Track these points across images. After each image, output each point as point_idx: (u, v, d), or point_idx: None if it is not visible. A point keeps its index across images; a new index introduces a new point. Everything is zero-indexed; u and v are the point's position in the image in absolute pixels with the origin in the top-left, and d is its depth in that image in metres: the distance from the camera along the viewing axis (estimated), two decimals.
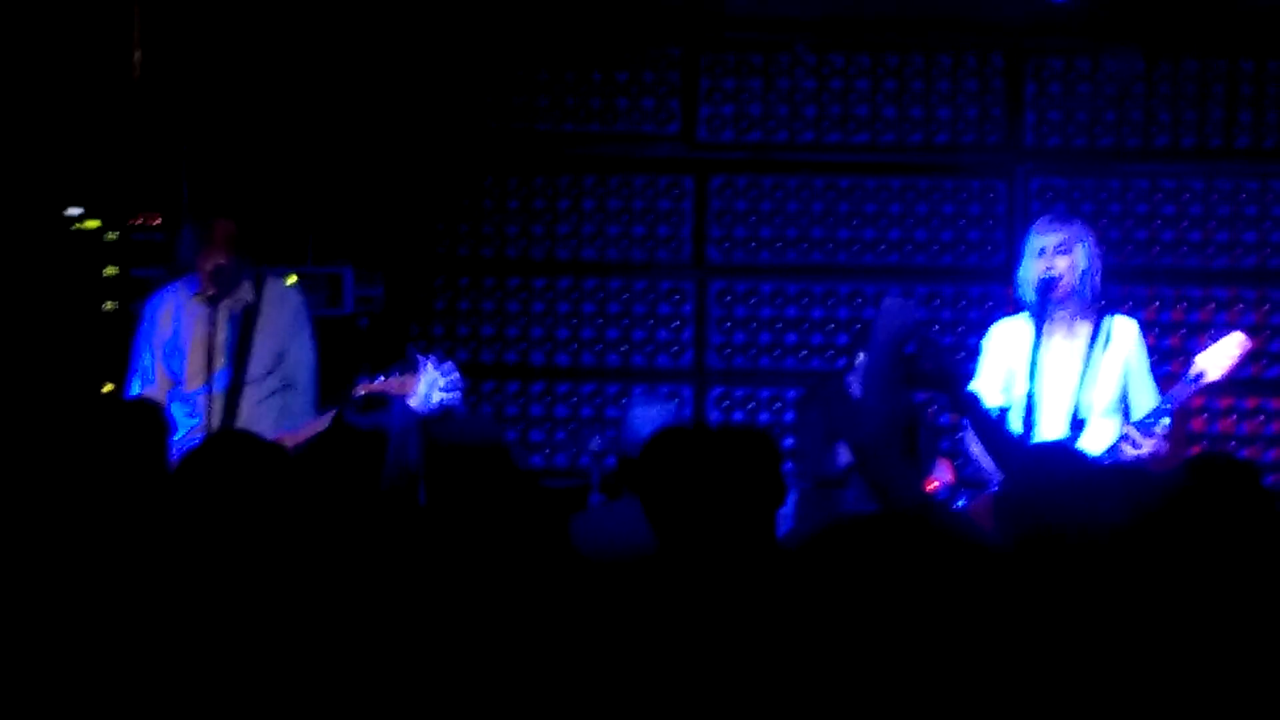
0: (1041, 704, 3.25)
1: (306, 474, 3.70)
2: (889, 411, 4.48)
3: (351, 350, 7.39)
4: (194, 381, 6.33)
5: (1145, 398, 5.70)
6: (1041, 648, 3.29)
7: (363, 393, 6.09)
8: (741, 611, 3.36)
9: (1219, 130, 7.90)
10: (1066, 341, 5.75)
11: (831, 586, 3.54)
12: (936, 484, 6.65)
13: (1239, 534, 3.41)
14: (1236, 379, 7.65)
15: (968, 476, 6.59)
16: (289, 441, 5.83)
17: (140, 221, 7.49)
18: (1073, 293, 5.71)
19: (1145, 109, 7.92)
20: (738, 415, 8.03)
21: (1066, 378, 5.68)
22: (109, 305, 7.38)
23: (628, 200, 8.11)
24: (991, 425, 5.18)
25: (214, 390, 6.20)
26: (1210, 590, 3.34)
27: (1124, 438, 5.53)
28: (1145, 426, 5.53)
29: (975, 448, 5.86)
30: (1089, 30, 7.83)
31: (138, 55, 7.37)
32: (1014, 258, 7.81)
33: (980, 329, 7.73)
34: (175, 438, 5.17)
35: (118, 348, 6.64)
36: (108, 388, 6.92)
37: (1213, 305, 7.79)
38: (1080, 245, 5.71)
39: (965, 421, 5.98)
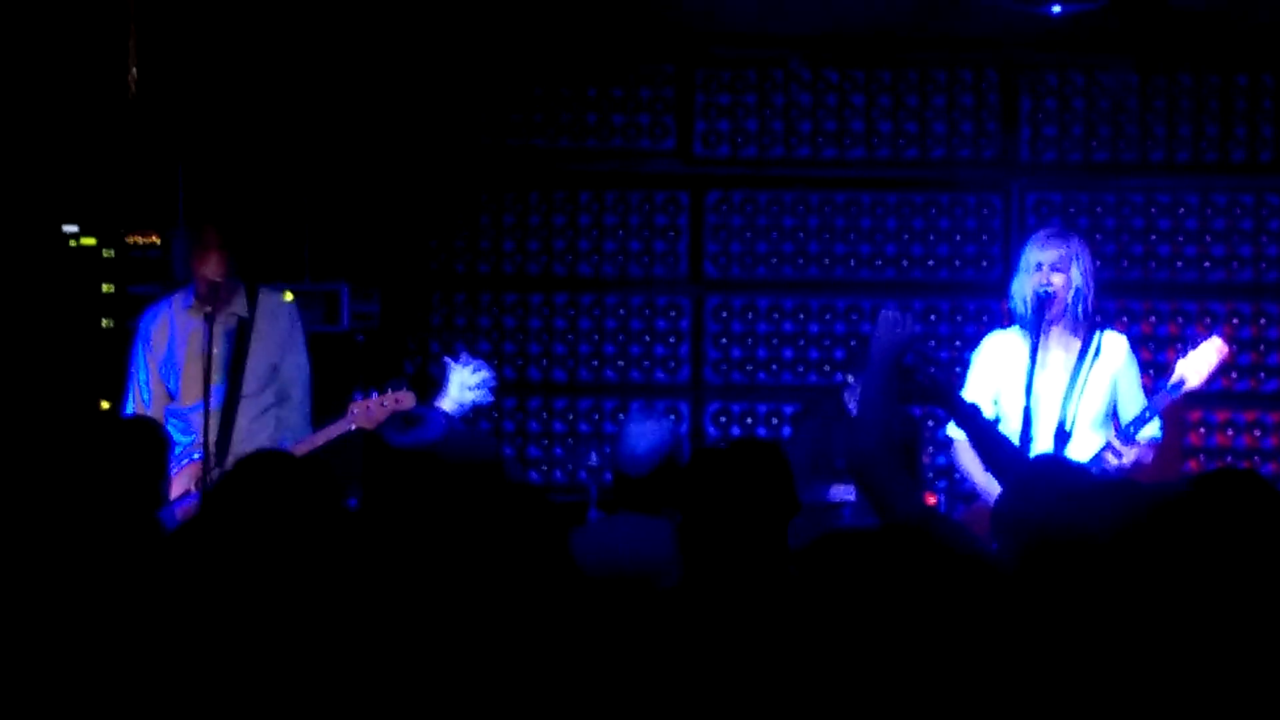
0: (1043, 715, 3.25)
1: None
2: (887, 424, 4.48)
3: (348, 366, 7.39)
4: (189, 397, 6.32)
5: (1134, 412, 5.71)
6: (1042, 660, 3.29)
7: (357, 411, 6.10)
8: (759, 628, 3.38)
9: (1214, 144, 7.91)
10: (1057, 355, 5.76)
11: (832, 600, 3.54)
12: (934, 500, 6.66)
13: (1253, 548, 3.40)
14: (1234, 393, 7.73)
15: (960, 491, 6.60)
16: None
17: (137, 239, 7.49)
18: (1066, 309, 5.72)
19: (1140, 123, 7.93)
20: (735, 430, 8.03)
21: (1055, 391, 5.70)
22: (106, 322, 7.39)
23: (624, 216, 8.11)
24: (991, 436, 5.18)
25: (210, 406, 6.19)
26: (1218, 603, 3.34)
27: (1106, 447, 5.54)
28: (1127, 435, 5.55)
29: (966, 461, 5.87)
30: (1084, 45, 7.85)
31: (134, 72, 7.37)
32: (1010, 272, 7.82)
33: (976, 343, 7.76)
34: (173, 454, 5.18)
35: (115, 365, 6.64)
36: (105, 405, 6.92)
37: (1208, 319, 7.79)
38: (1076, 263, 5.72)
39: (949, 437, 6.00)
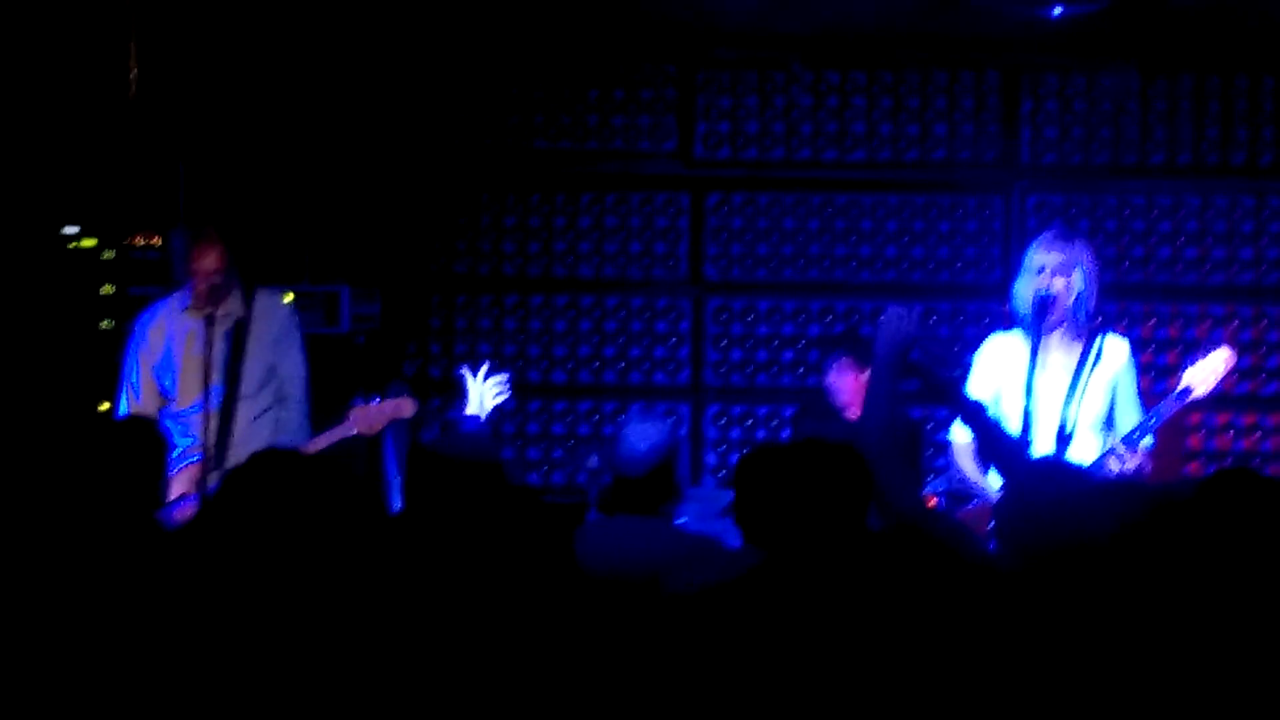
0: (1041, 715, 3.24)
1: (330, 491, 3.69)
2: (890, 421, 4.48)
3: (348, 368, 7.39)
4: (186, 398, 6.30)
5: (1129, 417, 5.70)
6: (1039, 659, 3.29)
7: (357, 416, 6.10)
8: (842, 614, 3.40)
9: (1215, 147, 7.91)
10: (1058, 358, 5.75)
11: (836, 598, 3.53)
12: (934, 500, 6.65)
13: (1260, 548, 3.39)
14: (1234, 395, 7.73)
15: (956, 493, 6.59)
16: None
17: (138, 240, 7.48)
18: (1067, 312, 5.70)
19: (1141, 126, 7.93)
20: (735, 433, 8.03)
21: (1055, 393, 5.69)
22: (106, 324, 7.37)
23: (624, 218, 8.11)
24: (996, 435, 5.18)
25: (208, 407, 6.17)
26: (1219, 605, 3.33)
27: (1110, 452, 5.53)
28: (1131, 442, 5.54)
29: (964, 464, 5.86)
30: (1085, 47, 7.84)
31: (134, 74, 7.37)
32: (1010, 274, 7.82)
33: (977, 345, 7.76)
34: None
35: (115, 366, 6.63)
36: (104, 406, 6.91)
37: (1209, 322, 7.79)
38: (1078, 267, 5.70)
39: (948, 440, 6.00)
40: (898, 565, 3.59)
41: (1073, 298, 5.69)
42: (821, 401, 6.98)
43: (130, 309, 6.82)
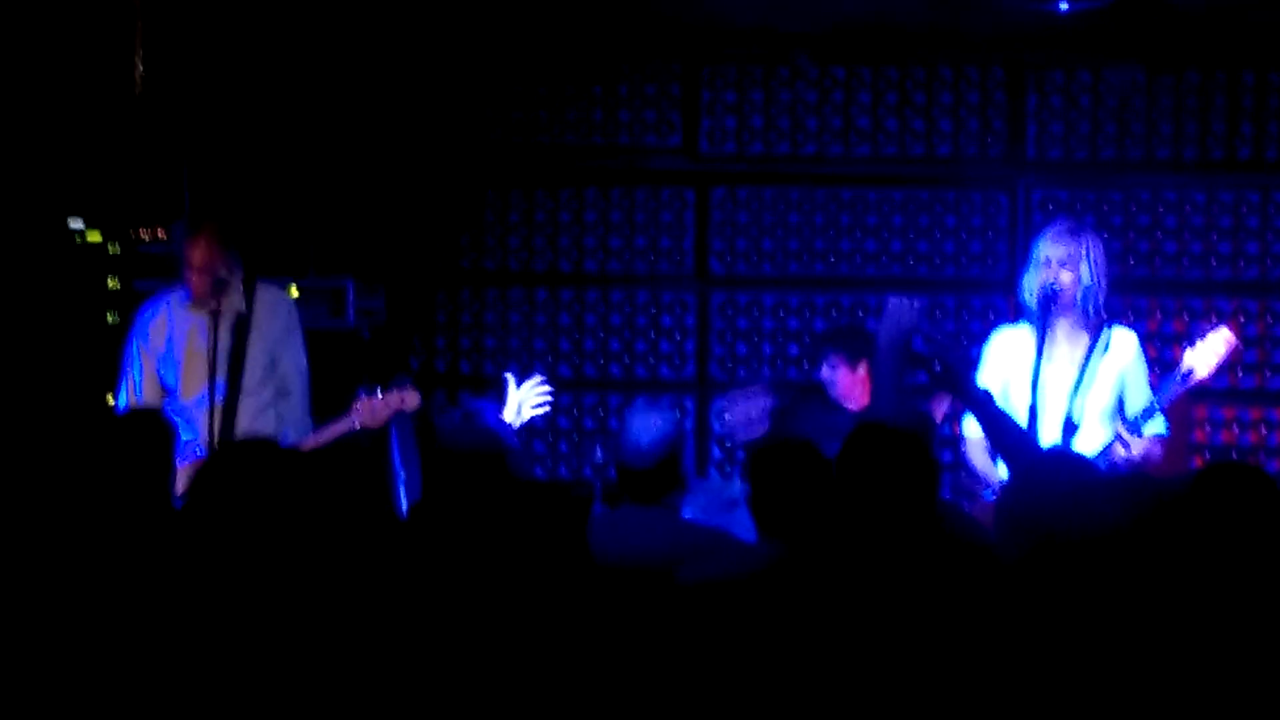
0: (1047, 707, 3.24)
1: (320, 481, 3.68)
2: (897, 412, 4.48)
3: (353, 363, 7.39)
4: (189, 392, 6.29)
5: (1139, 407, 5.70)
6: (1044, 652, 3.29)
7: (361, 409, 6.09)
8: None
9: (1221, 142, 7.90)
10: (1066, 350, 5.75)
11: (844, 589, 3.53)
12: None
13: (1254, 541, 3.40)
14: (1240, 390, 7.72)
15: (966, 488, 6.59)
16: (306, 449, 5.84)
17: (143, 234, 7.48)
18: (1074, 304, 5.70)
19: (1147, 121, 7.92)
20: None
21: (1062, 385, 5.69)
22: (111, 318, 7.37)
23: (630, 212, 8.11)
24: (1003, 424, 5.18)
25: (212, 402, 6.16)
26: (1221, 596, 3.33)
27: (1115, 439, 5.53)
28: (1135, 427, 5.53)
29: (976, 458, 5.86)
30: (1091, 43, 7.84)
31: (140, 68, 7.38)
32: (1016, 269, 7.83)
33: (982, 339, 7.74)
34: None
35: (120, 360, 6.63)
36: (110, 400, 6.91)
37: (1215, 317, 7.78)
38: (1086, 261, 5.70)
39: (962, 434, 6.00)
40: (920, 559, 3.59)
41: (1080, 291, 5.69)
42: (808, 396, 6.98)
43: (135, 303, 6.82)
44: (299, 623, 3.33)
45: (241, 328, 6.30)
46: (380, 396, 6.12)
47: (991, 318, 7.83)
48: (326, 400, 6.49)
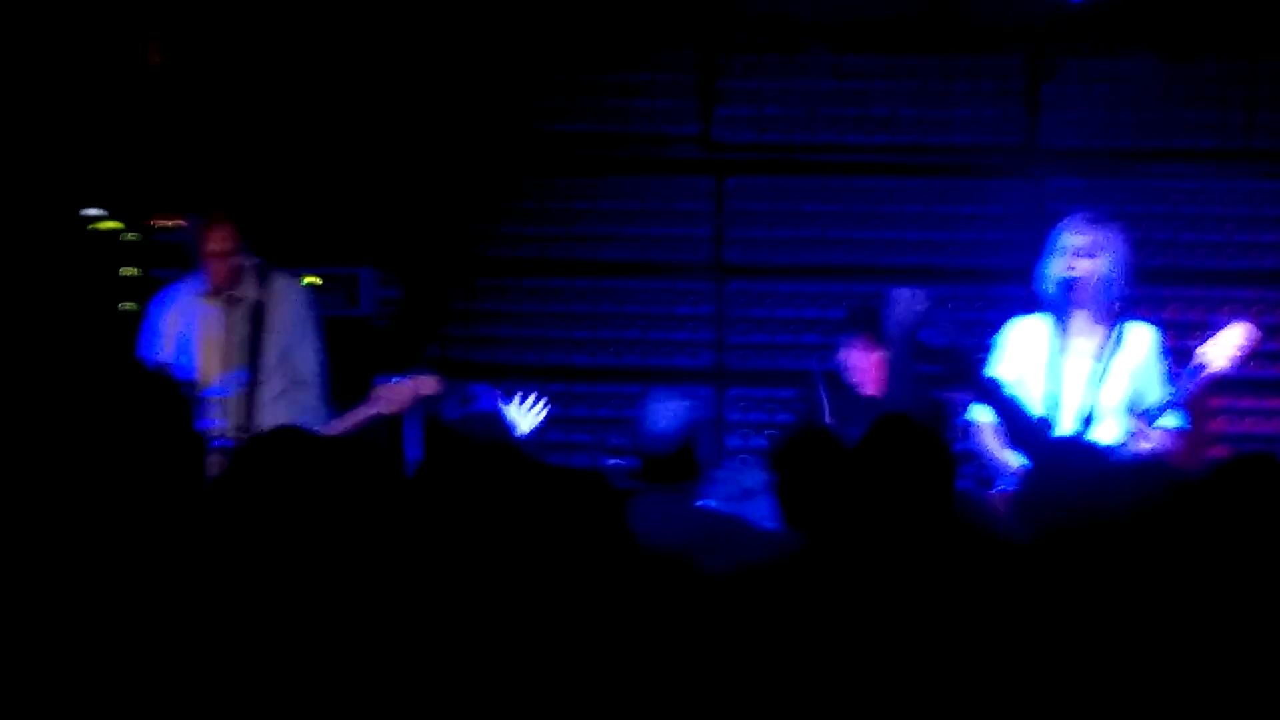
0: (1058, 698, 3.23)
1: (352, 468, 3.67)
2: (910, 401, 4.47)
3: (369, 351, 7.39)
4: (205, 382, 6.30)
5: (1156, 402, 5.68)
6: (1057, 640, 3.28)
7: (381, 395, 6.10)
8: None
9: (1238, 131, 7.88)
10: (1084, 341, 5.73)
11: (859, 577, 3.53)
12: None
13: (1275, 532, 3.39)
14: (1259, 380, 7.70)
15: (983, 476, 6.58)
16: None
17: (160, 222, 7.49)
18: (1092, 296, 5.68)
19: (1164, 109, 7.90)
20: (757, 416, 8.03)
21: (1080, 376, 5.67)
22: (128, 306, 7.38)
23: (645, 201, 8.11)
24: (1014, 412, 5.17)
25: (229, 390, 6.16)
26: (1239, 586, 3.32)
27: (1131, 433, 5.51)
28: (1150, 418, 5.51)
29: (988, 443, 5.84)
30: (1108, 31, 7.82)
31: (157, 54, 7.38)
32: (1033, 258, 7.81)
33: (999, 330, 7.73)
34: None
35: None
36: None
37: (1232, 306, 7.76)
38: (1105, 251, 5.68)
39: (969, 421, 5.99)
40: (939, 550, 3.59)
41: (1097, 281, 5.67)
42: (824, 382, 6.97)
43: (152, 291, 6.82)
44: (332, 611, 3.33)
45: (257, 316, 6.30)
46: (399, 382, 6.12)
47: (1008, 307, 7.80)
48: (342, 388, 6.49)
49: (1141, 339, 5.78)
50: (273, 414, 6.27)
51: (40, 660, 3.22)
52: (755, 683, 3.35)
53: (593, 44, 8.05)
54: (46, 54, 7.41)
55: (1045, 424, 5.46)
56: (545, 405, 5.92)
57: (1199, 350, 5.56)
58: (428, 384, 6.18)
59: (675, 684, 3.28)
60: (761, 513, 4.72)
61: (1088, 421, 5.63)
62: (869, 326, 6.77)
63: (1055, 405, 5.58)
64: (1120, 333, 5.73)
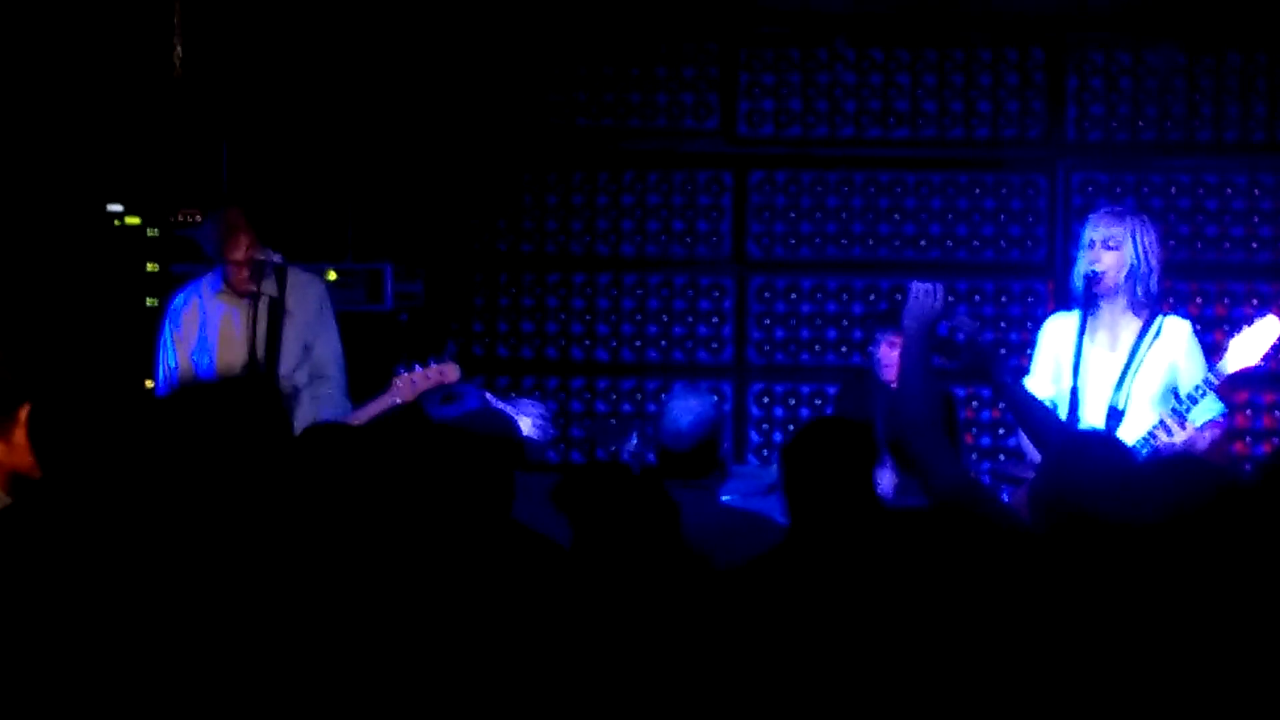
0: (1071, 694, 3.22)
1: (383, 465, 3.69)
2: (927, 394, 4.47)
3: (391, 346, 7.40)
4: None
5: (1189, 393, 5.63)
6: (1071, 637, 3.26)
7: (401, 384, 6.10)
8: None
9: (1262, 124, 7.85)
10: (1111, 335, 5.68)
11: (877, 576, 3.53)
12: None
13: None
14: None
15: (1004, 473, 6.57)
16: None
17: (182, 218, 7.51)
18: (1118, 289, 5.63)
19: (1187, 103, 7.87)
20: (779, 411, 8.02)
21: (1110, 370, 5.62)
22: (151, 301, 7.40)
23: (667, 196, 8.10)
24: (1028, 406, 5.14)
25: None
26: (1257, 591, 3.29)
27: (1159, 424, 5.47)
28: (1178, 414, 5.46)
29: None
30: (1131, 24, 7.79)
31: (179, 51, 7.40)
32: (1055, 253, 7.80)
33: (1022, 324, 7.72)
34: None
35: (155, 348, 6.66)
36: (149, 384, 6.94)
37: (1256, 300, 7.73)
38: (1130, 243, 5.63)
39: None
40: (934, 542, 3.58)
41: (1123, 273, 5.62)
42: (863, 378, 6.97)
43: (174, 286, 6.85)
44: (380, 602, 3.34)
45: (276, 313, 6.31)
46: (420, 370, 6.12)
47: (1030, 302, 7.79)
48: (365, 383, 6.50)
49: (1177, 332, 5.72)
50: (296, 410, 6.29)
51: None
52: (754, 678, 3.36)
53: (615, 39, 8.04)
54: (71, 54, 7.43)
55: (1063, 420, 5.43)
56: (548, 412, 5.90)
57: (1230, 344, 5.51)
58: (449, 371, 6.17)
59: (682, 675, 3.30)
60: (783, 509, 4.71)
61: (1115, 416, 5.58)
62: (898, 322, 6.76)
63: (1079, 398, 5.55)
64: (1157, 325, 5.67)
